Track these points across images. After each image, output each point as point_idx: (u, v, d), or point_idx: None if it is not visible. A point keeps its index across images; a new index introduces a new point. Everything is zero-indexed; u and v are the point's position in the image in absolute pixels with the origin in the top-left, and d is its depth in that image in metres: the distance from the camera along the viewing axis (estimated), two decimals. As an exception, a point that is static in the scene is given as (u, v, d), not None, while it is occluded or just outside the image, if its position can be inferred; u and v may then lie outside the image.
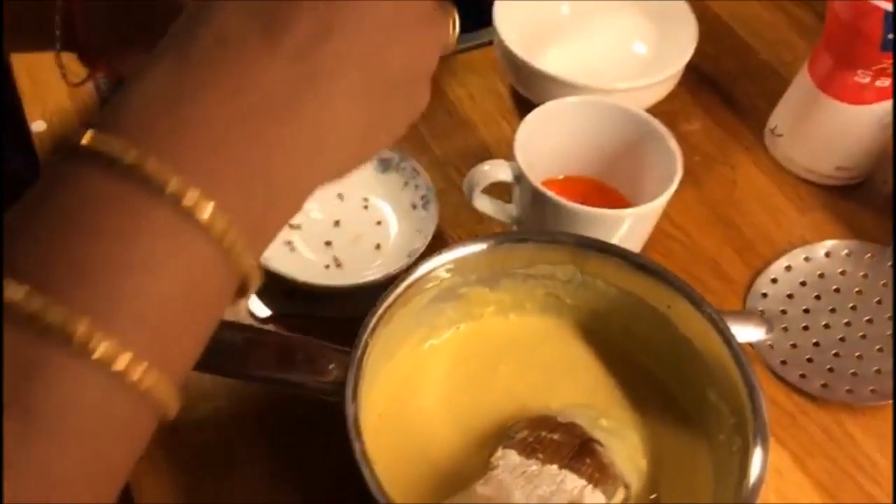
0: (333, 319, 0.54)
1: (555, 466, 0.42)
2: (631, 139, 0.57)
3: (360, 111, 0.31)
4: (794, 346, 0.56)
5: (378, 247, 0.58)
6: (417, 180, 0.59)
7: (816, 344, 0.56)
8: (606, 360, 0.51)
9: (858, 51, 0.58)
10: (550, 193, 0.52)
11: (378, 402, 0.46)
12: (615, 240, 0.51)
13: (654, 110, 0.59)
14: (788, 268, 0.60)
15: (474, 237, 0.49)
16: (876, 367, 0.54)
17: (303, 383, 0.44)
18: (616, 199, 0.59)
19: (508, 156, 0.55)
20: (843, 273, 0.60)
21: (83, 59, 0.49)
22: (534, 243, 0.49)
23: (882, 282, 0.59)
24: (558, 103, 0.57)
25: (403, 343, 0.49)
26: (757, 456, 0.41)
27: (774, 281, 0.59)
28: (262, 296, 0.56)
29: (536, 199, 0.53)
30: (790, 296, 0.58)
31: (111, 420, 0.25)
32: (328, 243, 0.58)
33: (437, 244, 0.53)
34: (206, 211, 0.26)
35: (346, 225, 0.59)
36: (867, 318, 0.57)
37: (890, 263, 0.59)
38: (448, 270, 0.48)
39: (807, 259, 0.60)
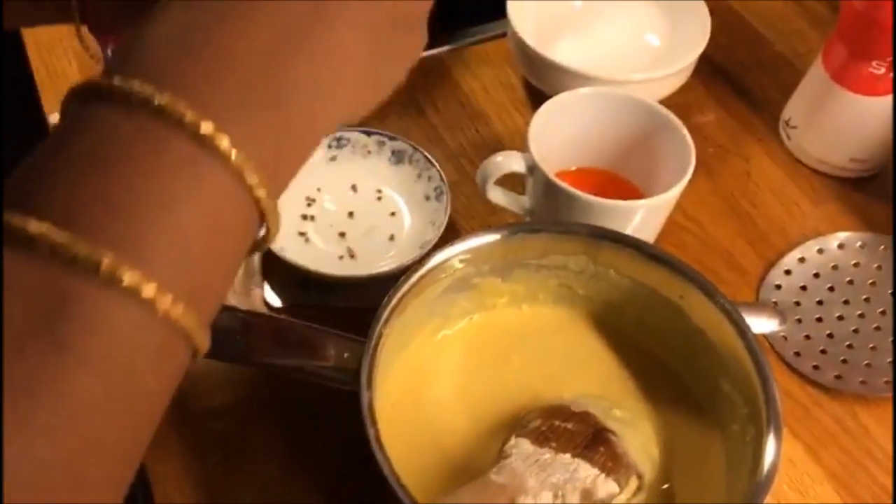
0: (347, 310, 0.54)
1: (568, 455, 0.42)
2: (644, 130, 0.57)
3: (366, 49, 0.32)
4: (807, 337, 0.56)
5: (392, 238, 0.58)
6: (431, 172, 0.59)
7: (830, 335, 0.56)
8: (619, 351, 0.51)
9: (873, 41, 0.58)
10: (564, 184, 0.52)
11: (392, 392, 0.47)
12: (628, 231, 0.51)
13: (668, 102, 0.59)
14: (802, 259, 0.60)
15: (488, 228, 0.49)
16: (890, 359, 0.54)
17: (318, 372, 0.45)
18: (629, 191, 0.59)
19: (521, 147, 0.55)
20: (856, 265, 0.59)
21: (93, 31, 0.49)
22: (547, 234, 0.49)
23: (896, 273, 0.58)
24: (571, 94, 0.57)
25: (417, 333, 0.49)
26: (770, 445, 0.42)
27: (788, 272, 0.59)
28: (277, 286, 0.56)
29: (549, 191, 0.53)
30: (804, 287, 0.58)
31: (143, 350, 0.25)
32: (342, 234, 0.58)
33: (450, 235, 0.54)
34: (224, 143, 0.26)
35: (359, 216, 0.59)
36: (881, 309, 0.57)
37: (904, 255, 0.59)
38: (462, 261, 0.48)
39: (820, 251, 0.60)
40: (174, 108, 0.26)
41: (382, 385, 0.44)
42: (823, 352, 0.55)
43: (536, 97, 0.66)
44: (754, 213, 0.63)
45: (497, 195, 0.57)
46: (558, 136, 0.56)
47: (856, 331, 0.56)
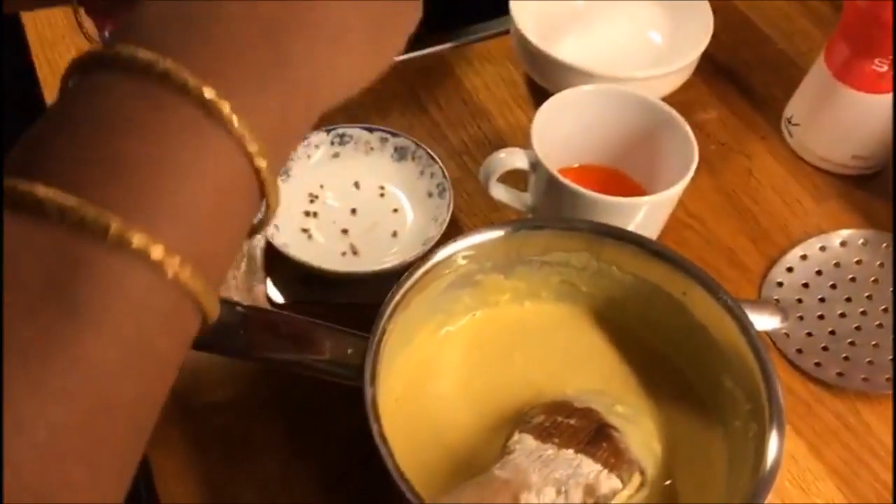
0: (349, 306, 0.55)
1: (571, 451, 0.43)
2: (647, 127, 0.57)
3: (365, 18, 0.32)
4: (809, 334, 0.56)
5: (394, 234, 0.58)
6: (433, 169, 0.59)
7: (832, 332, 0.56)
8: (622, 347, 0.51)
9: (876, 39, 0.58)
10: (566, 181, 0.52)
11: (395, 388, 0.47)
12: (631, 228, 0.51)
13: (670, 99, 0.59)
14: (804, 257, 0.60)
15: (491, 224, 0.49)
16: (891, 356, 0.54)
17: (321, 367, 0.45)
18: (631, 188, 0.59)
19: (524, 144, 0.55)
20: (858, 262, 0.59)
21: (90, 14, 0.50)
22: (550, 230, 0.49)
23: (898, 271, 0.59)
24: (574, 91, 0.57)
25: (420, 329, 0.50)
26: (773, 441, 0.42)
27: (790, 270, 0.59)
28: (280, 283, 0.56)
29: (552, 187, 0.53)
30: (806, 285, 0.58)
31: (153, 313, 0.25)
32: (345, 231, 0.58)
33: (453, 232, 0.54)
34: (225, 108, 0.26)
35: (362, 213, 0.59)
36: (883, 307, 0.57)
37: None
38: (465, 257, 0.48)
39: (822, 248, 0.60)
40: (177, 74, 0.26)
41: (386, 381, 0.44)
42: (825, 349, 0.55)
43: (538, 94, 0.66)
44: (756, 210, 0.63)
45: (500, 192, 0.57)
46: (561, 132, 0.56)
47: (858, 328, 0.56)
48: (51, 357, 0.23)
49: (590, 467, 0.42)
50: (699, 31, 0.66)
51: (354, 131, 0.61)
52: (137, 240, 0.24)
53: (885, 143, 0.63)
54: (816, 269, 0.59)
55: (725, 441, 0.47)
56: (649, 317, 0.51)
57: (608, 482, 0.42)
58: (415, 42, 0.73)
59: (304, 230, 0.58)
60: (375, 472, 0.40)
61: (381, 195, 0.60)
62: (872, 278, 0.58)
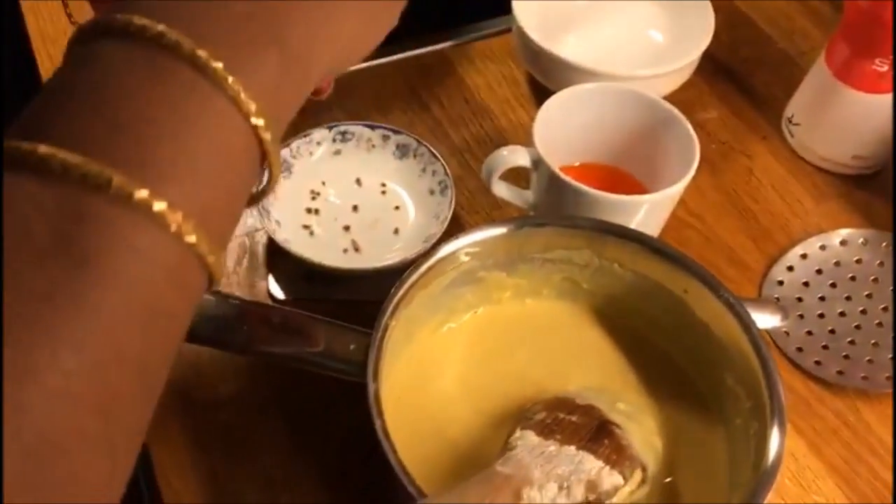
0: (350, 302, 0.55)
1: (573, 447, 0.43)
2: (648, 126, 0.57)
3: None
4: (809, 333, 0.56)
5: (396, 232, 0.58)
6: (435, 166, 0.59)
7: (832, 331, 0.56)
8: (623, 345, 0.51)
9: (876, 39, 0.58)
10: (569, 179, 0.52)
11: (397, 384, 0.47)
12: (632, 226, 0.51)
13: (671, 99, 0.59)
14: (804, 256, 0.60)
15: (494, 221, 0.49)
16: (891, 355, 0.55)
17: (323, 363, 0.45)
18: (632, 186, 0.59)
19: (525, 142, 0.55)
20: (858, 261, 0.60)
21: None
22: (552, 228, 0.50)
23: (898, 270, 0.59)
24: (576, 90, 0.57)
25: (422, 326, 0.50)
26: (774, 438, 0.42)
27: (790, 269, 0.59)
28: (281, 279, 0.57)
29: (554, 185, 0.53)
30: (806, 283, 0.59)
31: (159, 266, 0.26)
32: (346, 228, 0.58)
33: (454, 230, 0.54)
34: (219, 68, 0.27)
35: (364, 210, 0.59)
36: (883, 305, 0.57)
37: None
38: (468, 254, 0.48)
39: (822, 247, 0.61)
40: (170, 36, 0.27)
41: (388, 377, 0.44)
42: (825, 347, 0.55)
43: (540, 93, 0.66)
44: (757, 209, 0.63)
45: (501, 189, 0.57)
46: (562, 131, 0.57)
47: (858, 327, 0.56)
48: (62, 305, 0.24)
49: (591, 464, 0.42)
50: (700, 31, 0.66)
51: (356, 128, 0.61)
52: (140, 194, 0.25)
53: (886, 143, 0.63)
54: (816, 268, 0.59)
55: (726, 438, 0.47)
56: (650, 314, 0.51)
57: (610, 479, 0.42)
58: (417, 40, 0.74)
59: (306, 227, 0.58)
60: (377, 468, 0.40)
61: (383, 192, 0.60)
62: (872, 277, 0.59)
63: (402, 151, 0.61)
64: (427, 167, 0.60)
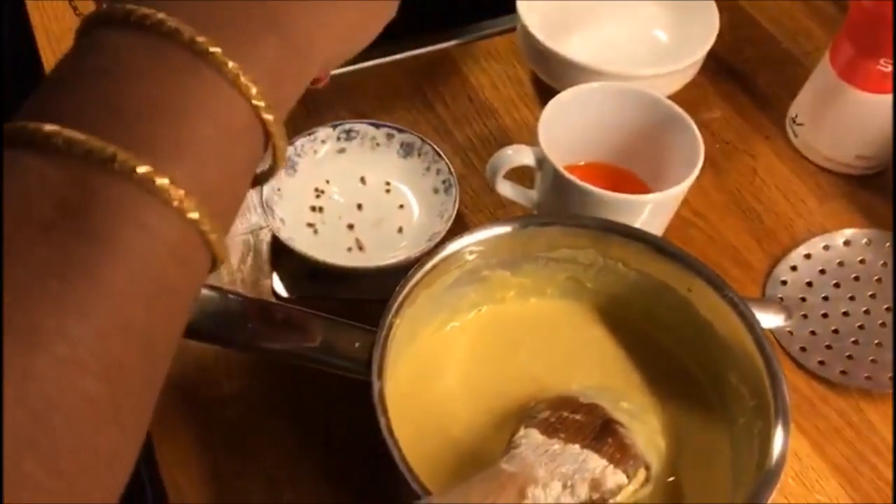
0: (354, 301, 0.55)
1: (576, 446, 0.43)
2: (652, 125, 0.57)
3: None
4: (813, 333, 0.56)
5: (400, 230, 0.58)
6: (439, 165, 0.59)
7: (836, 331, 0.56)
8: (627, 344, 0.51)
9: (881, 39, 0.58)
10: (573, 178, 0.52)
11: (401, 382, 0.47)
12: (636, 225, 0.51)
13: (675, 98, 0.59)
14: (808, 256, 0.60)
15: (498, 220, 0.49)
16: (894, 354, 0.55)
17: (328, 360, 0.45)
18: (636, 186, 0.59)
19: (529, 142, 0.55)
20: (862, 261, 0.60)
21: None
22: (557, 227, 0.50)
23: (902, 270, 0.59)
24: (580, 89, 0.57)
25: (427, 324, 0.50)
26: (778, 437, 0.42)
27: (794, 269, 0.59)
28: (285, 277, 0.57)
29: (558, 184, 0.53)
30: (809, 283, 0.59)
31: (162, 242, 0.26)
32: (350, 226, 0.58)
33: (458, 228, 0.54)
34: (219, 54, 0.28)
35: (368, 208, 0.59)
36: (886, 305, 0.57)
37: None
38: (472, 253, 0.48)
39: (826, 247, 0.61)
40: (169, 24, 0.27)
41: (392, 375, 0.44)
42: (829, 347, 0.55)
43: (544, 92, 0.66)
44: (760, 209, 0.63)
45: (505, 188, 0.57)
46: (567, 130, 0.57)
47: (861, 327, 0.56)
48: (67, 275, 0.24)
49: (595, 462, 0.42)
50: (704, 30, 0.66)
51: (361, 127, 0.61)
52: (143, 169, 0.25)
53: (890, 144, 0.63)
54: (820, 267, 0.59)
55: (730, 437, 0.47)
56: (654, 313, 0.51)
57: (614, 477, 0.42)
58: (421, 39, 0.74)
59: (310, 225, 0.58)
60: (381, 465, 0.40)
61: (387, 191, 0.60)
62: (876, 277, 0.59)
63: (407, 150, 0.61)
64: (431, 166, 0.60)
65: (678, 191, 0.53)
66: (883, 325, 0.56)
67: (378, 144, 0.61)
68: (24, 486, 0.22)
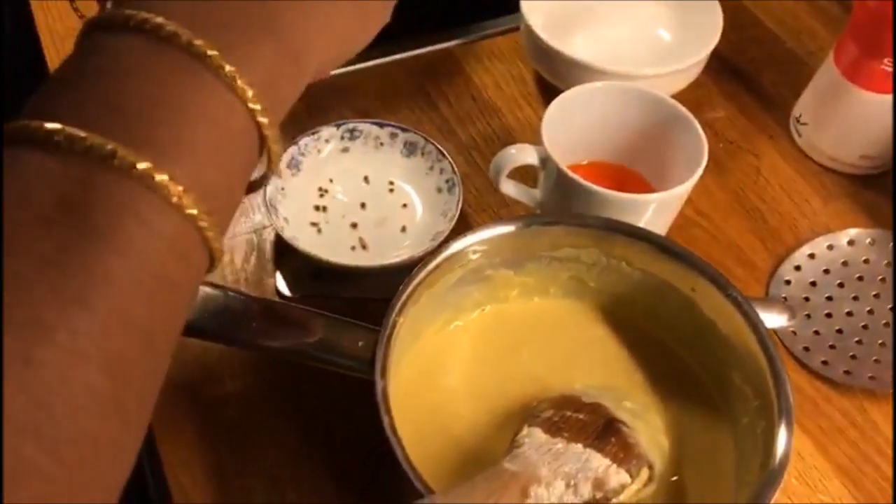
0: (357, 300, 0.55)
1: (580, 445, 0.43)
2: (656, 125, 0.57)
3: None
4: (816, 332, 0.56)
5: (403, 229, 0.58)
6: (443, 164, 0.59)
7: (839, 331, 0.56)
8: (630, 343, 0.51)
9: (885, 39, 0.58)
10: (576, 177, 0.52)
11: (404, 381, 0.47)
12: (640, 225, 0.51)
13: (679, 98, 0.59)
14: (812, 255, 0.60)
15: (502, 219, 0.49)
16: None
17: (331, 359, 0.45)
18: (640, 185, 0.59)
19: (532, 141, 0.55)
20: (866, 261, 0.60)
21: None
22: (561, 226, 0.50)
23: (906, 270, 0.59)
24: (584, 88, 0.57)
25: (430, 323, 0.50)
26: (782, 437, 0.42)
27: (798, 268, 0.59)
28: (289, 276, 0.57)
29: (562, 183, 0.53)
30: (813, 283, 0.59)
31: (161, 237, 0.27)
32: (354, 225, 0.58)
33: (461, 228, 0.54)
34: (216, 57, 0.28)
35: (371, 207, 0.59)
36: (890, 306, 0.57)
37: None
38: (475, 252, 0.48)
39: (830, 247, 0.60)
40: (167, 27, 0.28)
41: (395, 374, 0.44)
42: (832, 347, 0.55)
43: (547, 91, 0.66)
44: (764, 209, 0.63)
45: (509, 187, 0.57)
46: (570, 129, 0.57)
47: (865, 326, 0.56)
48: (69, 267, 0.25)
49: (598, 461, 0.42)
50: (708, 30, 0.66)
51: (364, 126, 0.61)
52: (142, 165, 0.26)
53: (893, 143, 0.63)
54: (824, 267, 0.59)
55: (733, 437, 0.47)
56: (658, 313, 0.51)
57: (617, 476, 0.42)
58: (424, 38, 0.74)
59: (314, 224, 0.58)
60: (384, 464, 0.40)
61: (391, 190, 0.60)
62: (880, 277, 0.59)
63: (410, 149, 0.61)
64: (435, 165, 0.60)
65: (682, 190, 0.53)
66: (887, 325, 0.56)
67: (382, 144, 0.61)
68: (25, 472, 0.23)
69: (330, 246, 0.56)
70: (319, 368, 0.46)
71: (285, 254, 0.57)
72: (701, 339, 0.49)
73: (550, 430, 0.43)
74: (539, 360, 0.50)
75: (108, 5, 0.53)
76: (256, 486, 0.49)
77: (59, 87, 0.28)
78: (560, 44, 0.64)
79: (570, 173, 0.52)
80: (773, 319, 0.55)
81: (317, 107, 0.64)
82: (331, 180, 0.60)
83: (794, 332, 0.56)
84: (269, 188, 0.56)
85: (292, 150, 0.59)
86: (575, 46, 0.66)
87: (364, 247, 0.57)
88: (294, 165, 0.59)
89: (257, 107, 0.29)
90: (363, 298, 0.55)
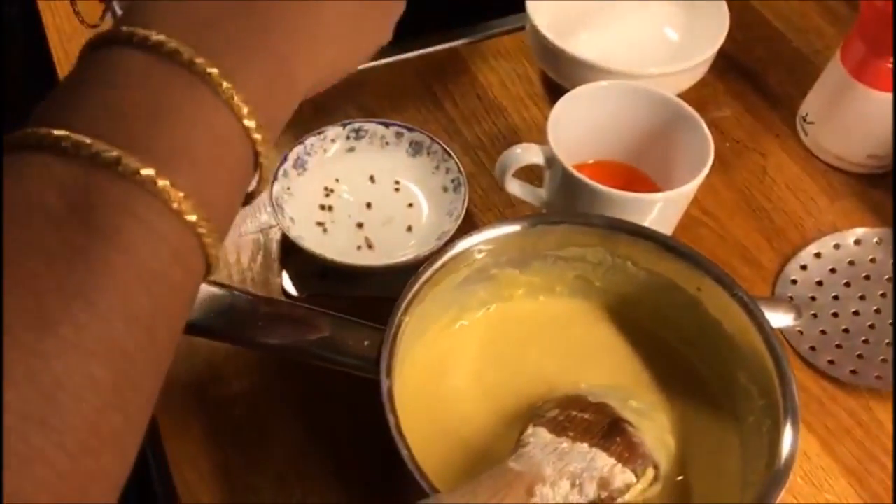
0: (363, 299, 0.55)
1: (585, 445, 0.43)
2: (662, 124, 0.57)
3: (349, 6, 0.35)
4: (823, 332, 0.56)
5: (409, 229, 0.58)
6: (448, 163, 0.59)
7: (846, 330, 0.56)
8: (635, 342, 0.51)
9: (893, 38, 0.58)
10: (582, 177, 0.52)
11: (410, 381, 0.47)
12: (646, 224, 0.51)
13: (685, 97, 0.59)
14: (818, 255, 0.60)
15: (508, 219, 0.49)
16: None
17: (337, 358, 0.45)
18: (646, 184, 0.59)
19: (538, 140, 0.55)
20: (872, 260, 0.60)
21: None
22: (566, 225, 0.50)
23: (912, 269, 0.59)
24: (590, 88, 0.57)
25: (435, 322, 0.50)
26: (788, 436, 0.42)
27: (804, 268, 0.59)
28: (295, 276, 0.57)
29: (567, 183, 0.53)
30: (820, 282, 0.58)
31: (163, 241, 0.28)
32: (360, 225, 0.58)
33: (467, 227, 0.54)
34: (214, 74, 0.29)
35: (377, 207, 0.59)
36: (897, 305, 0.57)
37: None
38: (481, 251, 0.48)
39: (836, 246, 0.60)
40: (169, 45, 0.29)
41: (401, 373, 0.44)
42: (839, 346, 0.55)
43: (553, 91, 0.66)
44: (770, 208, 0.63)
45: (514, 187, 0.57)
46: (576, 128, 0.57)
47: (871, 326, 0.56)
48: (74, 264, 0.26)
49: (604, 461, 0.42)
50: (714, 29, 0.66)
51: (370, 126, 0.61)
52: (146, 172, 0.27)
53: (901, 142, 0.63)
54: (830, 267, 0.59)
55: (739, 436, 0.47)
56: (663, 312, 0.51)
57: (622, 476, 0.42)
58: (430, 38, 0.74)
59: (320, 223, 0.58)
60: (389, 464, 0.40)
61: (397, 189, 0.60)
62: (887, 276, 0.58)
63: (416, 149, 0.61)
64: (440, 164, 0.60)
65: (688, 189, 0.53)
66: (893, 324, 0.56)
67: (387, 143, 0.61)
68: (32, 459, 0.24)
69: (336, 245, 0.56)
70: (325, 368, 0.46)
71: (291, 253, 0.57)
72: (706, 339, 0.49)
73: (556, 429, 0.43)
74: (545, 359, 0.50)
75: (114, 4, 0.53)
76: (262, 485, 0.49)
77: (65, 97, 0.29)
78: (565, 43, 0.64)
79: (576, 173, 0.52)
80: (779, 319, 0.55)
81: (322, 106, 0.64)
82: (337, 180, 0.60)
83: (801, 332, 0.56)
84: (276, 187, 0.57)
85: (298, 149, 0.59)
86: (580, 46, 0.66)
87: (370, 246, 0.57)
88: (300, 165, 0.59)
89: (252, 124, 0.30)
90: (369, 298, 0.55)
